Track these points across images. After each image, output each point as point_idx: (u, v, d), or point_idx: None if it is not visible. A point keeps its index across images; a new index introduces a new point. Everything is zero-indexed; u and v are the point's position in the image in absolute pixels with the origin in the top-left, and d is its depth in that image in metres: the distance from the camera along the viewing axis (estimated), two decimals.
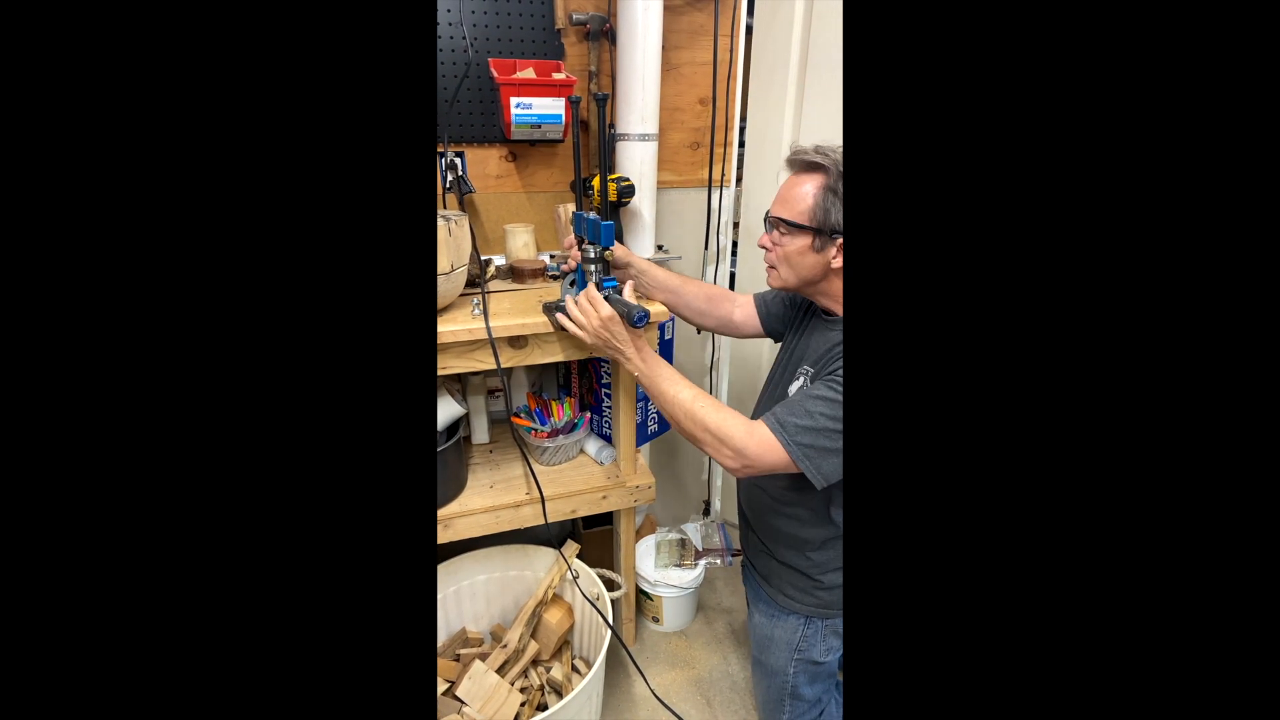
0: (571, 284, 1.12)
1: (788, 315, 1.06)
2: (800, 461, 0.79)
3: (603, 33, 1.34)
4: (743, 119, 1.56)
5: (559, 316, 0.99)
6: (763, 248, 0.92)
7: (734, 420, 0.83)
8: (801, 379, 0.92)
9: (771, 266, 0.91)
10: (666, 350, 1.40)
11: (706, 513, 1.86)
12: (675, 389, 0.88)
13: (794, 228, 0.84)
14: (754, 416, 0.89)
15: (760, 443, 0.81)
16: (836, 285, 0.87)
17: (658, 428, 1.47)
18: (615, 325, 0.92)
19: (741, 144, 1.58)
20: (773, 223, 0.88)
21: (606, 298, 0.96)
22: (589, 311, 0.94)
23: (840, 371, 0.81)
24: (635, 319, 0.89)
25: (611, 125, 1.39)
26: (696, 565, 1.51)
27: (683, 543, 1.55)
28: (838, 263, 0.83)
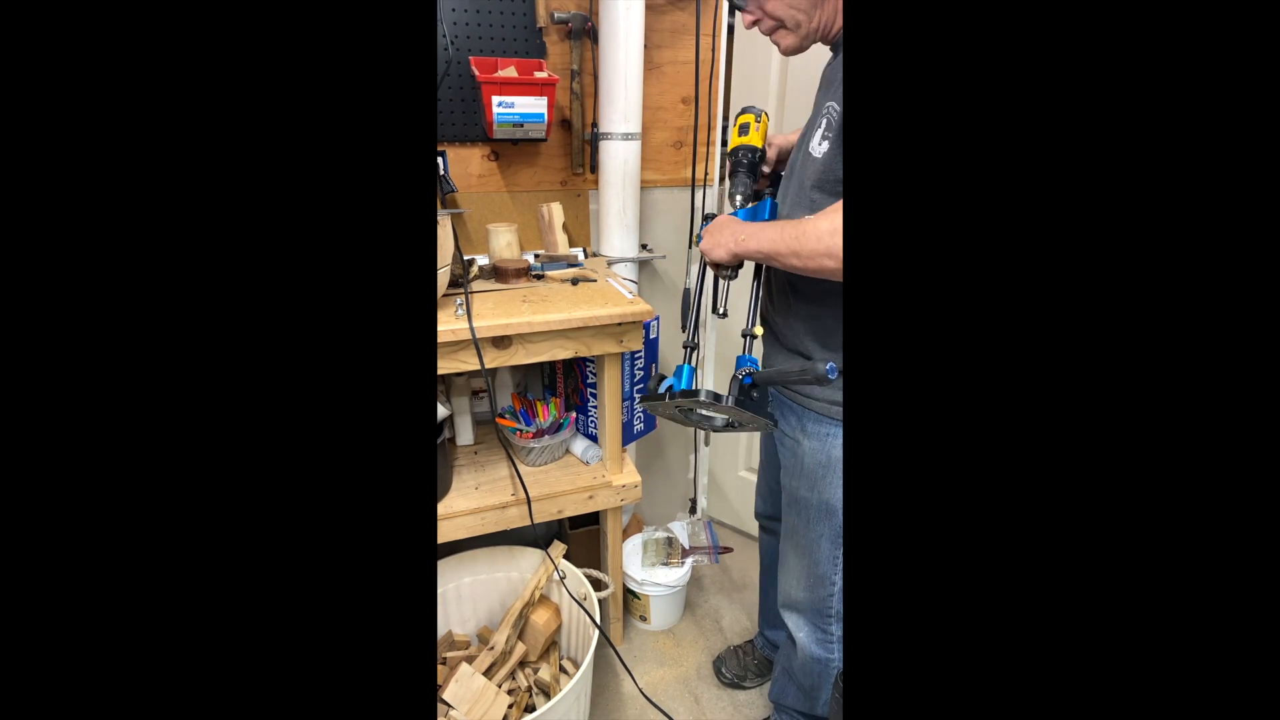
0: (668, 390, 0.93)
1: None
2: None
3: (585, 31, 1.34)
4: (725, 118, 1.57)
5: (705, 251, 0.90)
6: (754, 23, 0.84)
7: (817, 223, 0.73)
8: (824, 119, 0.81)
9: (777, 28, 0.82)
10: (652, 349, 1.41)
11: (693, 510, 1.87)
12: (779, 228, 0.79)
13: None
14: (779, 208, 0.86)
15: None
16: None
17: (644, 426, 1.47)
18: (738, 224, 0.86)
19: (724, 143, 1.58)
20: None
21: (751, 374, 0.82)
22: (716, 229, 0.88)
23: None
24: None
25: (595, 124, 1.38)
26: (683, 563, 1.51)
27: (670, 541, 1.55)
28: None
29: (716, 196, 1.60)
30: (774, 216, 0.89)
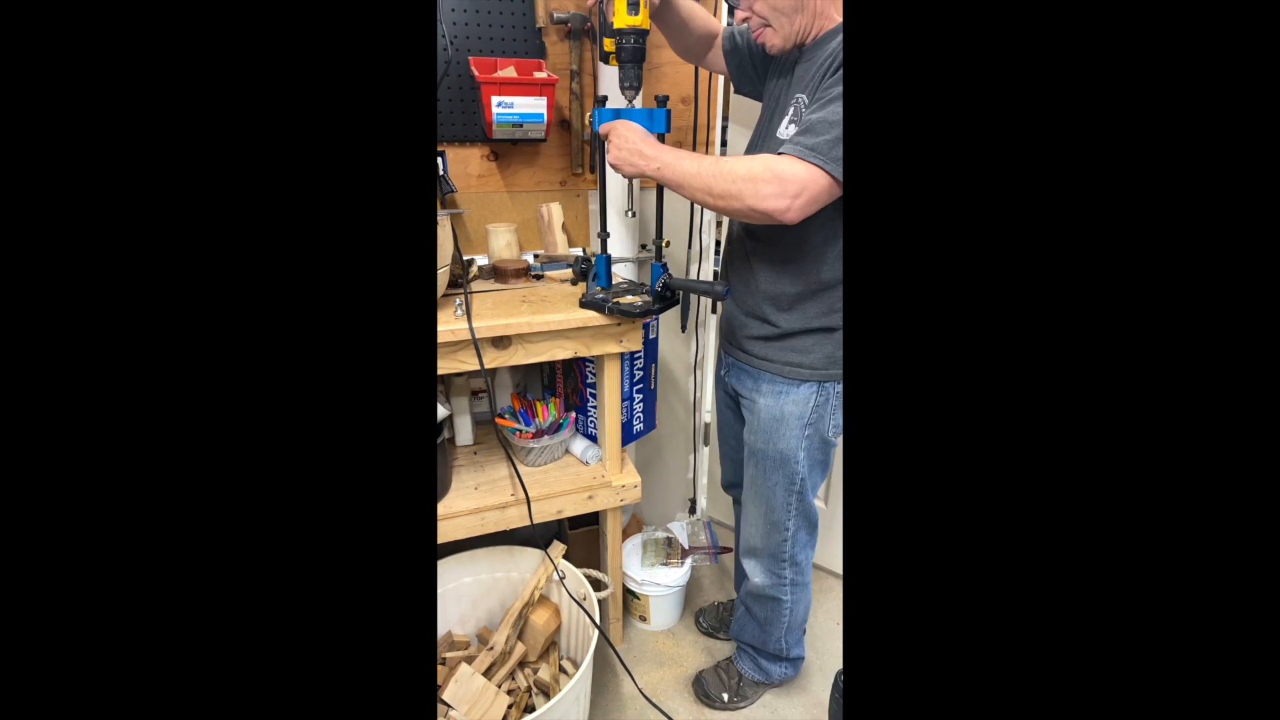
0: (593, 277, 1.14)
1: (764, 65, 1.05)
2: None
3: (584, 31, 1.34)
4: (724, 118, 1.57)
5: (601, 131, 0.97)
6: (744, 20, 0.91)
7: (775, 161, 0.80)
8: (793, 109, 0.90)
9: (763, 28, 0.90)
10: (651, 348, 1.40)
11: (693, 510, 1.86)
12: (697, 163, 0.87)
13: None
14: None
15: (797, 171, 0.78)
16: None
17: (643, 427, 1.47)
18: (649, 144, 0.92)
19: (724, 143, 1.58)
20: None
21: (666, 284, 1.05)
22: (623, 141, 0.93)
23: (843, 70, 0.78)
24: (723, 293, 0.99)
25: (595, 126, 1.38)
26: (683, 563, 1.51)
27: (669, 541, 1.55)
28: None
29: None
30: (668, 127, 0.97)
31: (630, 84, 0.98)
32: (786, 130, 0.91)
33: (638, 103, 0.99)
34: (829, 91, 0.81)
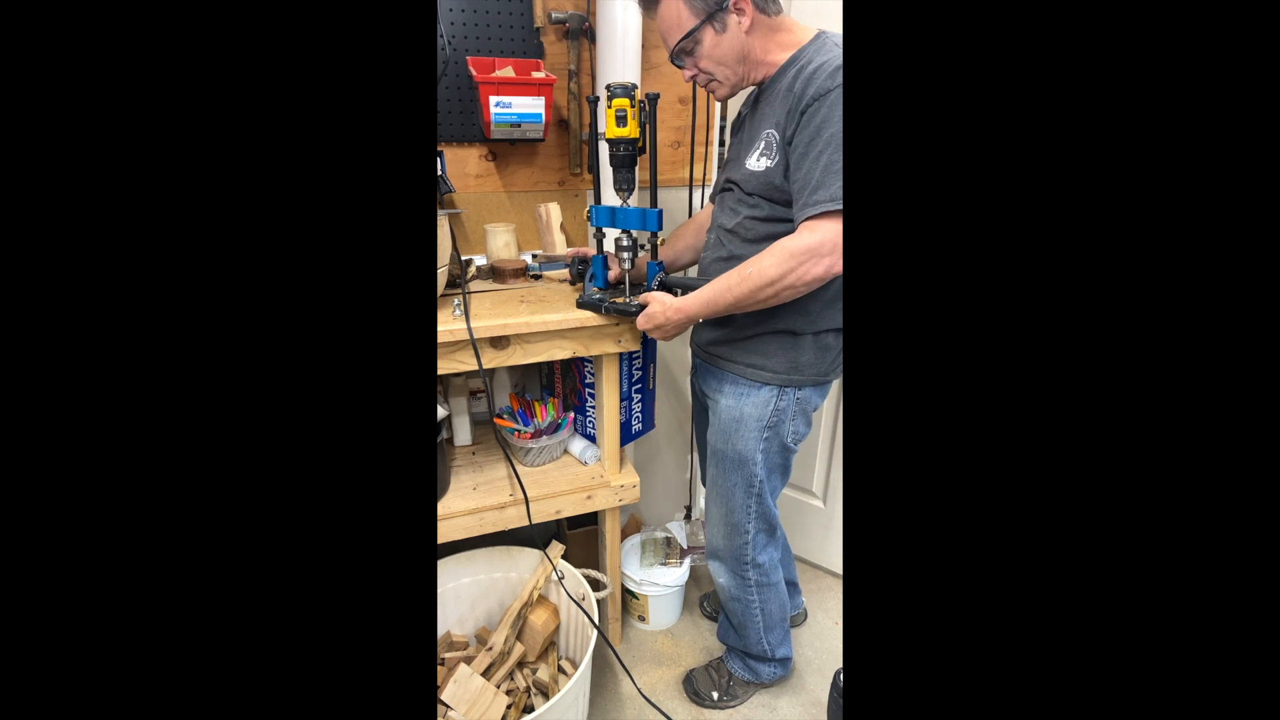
0: (590, 278, 1.15)
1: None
2: None
3: (582, 31, 1.34)
4: (722, 118, 1.57)
5: (639, 325, 1.06)
6: (692, 79, 0.97)
7: (789, 243, 0.87)
8: (763, 143, 0.94)
9: (710, 82, 0.96)
10: (649, 348, 1.40)
11: (688, 518, 1.86)
12: (728, 286, 0.93)
13: (692, 34, 0.89)
14: (716, 210, 1.05)
15: (817, 233, 0.84)
16: (763, 40, 0.91)
17: (641, 427, 1.47)
18: (677, 307, 1.00)
19: (722, 143, 1.58)
20: (681, 51, 0.92)
21: (663, 282, 1.06)
22: (661, 313, 1.01)
23: (813, 107, 0.83)
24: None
25: (592, 124, 1.38)
26: (682, 563, 1.51)
27: (668, 541, 1.55)
28: (746, 21, 0.88)
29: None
30: (661, 225, 1.04)
31: (624, 186, 1.04)
32: (758, 163, 0.95)
33: (632, 202, 1.05)
34: (814, 140, 0.84)
